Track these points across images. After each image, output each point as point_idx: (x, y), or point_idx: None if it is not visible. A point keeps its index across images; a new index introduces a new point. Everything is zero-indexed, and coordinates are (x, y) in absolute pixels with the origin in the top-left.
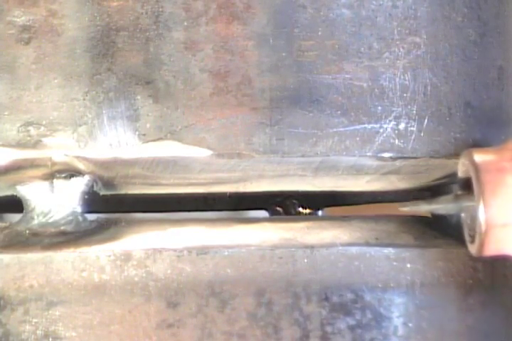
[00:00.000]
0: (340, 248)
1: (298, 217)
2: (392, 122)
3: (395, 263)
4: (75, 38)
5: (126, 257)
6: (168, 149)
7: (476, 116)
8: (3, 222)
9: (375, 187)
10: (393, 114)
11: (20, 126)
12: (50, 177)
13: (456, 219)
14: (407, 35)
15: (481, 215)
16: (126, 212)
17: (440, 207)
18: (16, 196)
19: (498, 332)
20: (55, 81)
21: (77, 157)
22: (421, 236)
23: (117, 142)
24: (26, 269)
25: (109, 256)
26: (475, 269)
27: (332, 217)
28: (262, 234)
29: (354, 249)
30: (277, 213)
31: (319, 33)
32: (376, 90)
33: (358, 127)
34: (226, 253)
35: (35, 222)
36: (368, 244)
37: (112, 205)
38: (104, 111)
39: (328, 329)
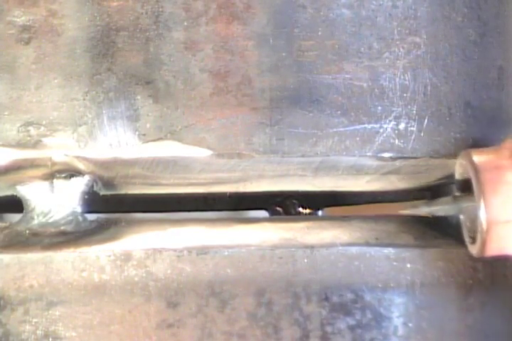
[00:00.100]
0: (340, 248)
1: (298, 217)
2: (392, 122)
3: (395, 263)
4: (75, 38)
5: (126, 257)
6: (168, 149)
7: (476, 116)
8: (3, 222)
9: (375, 187)
10: (393, 114)
11: (20, 126)
12: (50, 177)
13: (456, 219)
14: (407, 35)
15: (482, 214)
16: (126, 212)
17: (439, 208)
18: (15, 196)
19: (498, 332)
20: (55, 81)
21: (77, 157)
22: (421, 236)
23: (117, 142)
24: (26, 269)
25: (109, 256)
26: (475, 269)
27: (332, 217)
28: (262, 234)
29: (354, 249)
30: (277, 213)
31: (319, 33)
32: (376, 90)
33: (358, 127)
34: (226, 253)
35: (35, 222)
36: (368, 244)
37: (112, 205)
38: (104, 111)
39: (328, 329)
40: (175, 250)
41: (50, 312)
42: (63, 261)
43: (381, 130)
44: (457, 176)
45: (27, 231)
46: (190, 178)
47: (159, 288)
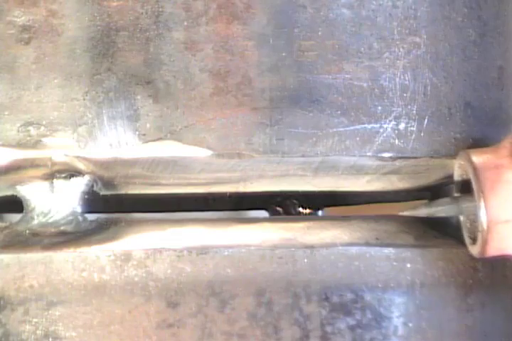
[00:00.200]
0: (341, 248)
1: (298, 217)
2: (392, 122)
3: (395, 263)
4: (75, 38)
5: (126, 257)
6: (168, 149)
7: (476, 116)
8: (3, 222)
9: (375, 187)
10: (393, 114)
11: (21, 126)
12: (50, 177)
13: (456, 218)
14: (407, 35)
15: (482, 213)
16: (126, 212)
17: (439, 209)
18: (15, 196)
19: (497, 332)
20: (55, 81)
21: (77, 157)
22: (421, 236)
23: (117, 142)
24: (26, 269)
25: (109, 256)
26: (475, 269)
27: (332, 217)
28: (262, 234)
29: (354, 249)
30: (277, 213)
31: (319, 33)
32: (376, 90)
33: (358, 127)
34: (226, 253)
35: (35, 222)
36: (368, 244)
37: (112, 205)
38: (104, 111)
39: (328, 329)
40: (175, 250)
41: (50, 312)
42: (63, 261)
43: (381, 130)
44: (456, 177)
45: (27, 231)
46: (190, 178)
47: (159, 288)
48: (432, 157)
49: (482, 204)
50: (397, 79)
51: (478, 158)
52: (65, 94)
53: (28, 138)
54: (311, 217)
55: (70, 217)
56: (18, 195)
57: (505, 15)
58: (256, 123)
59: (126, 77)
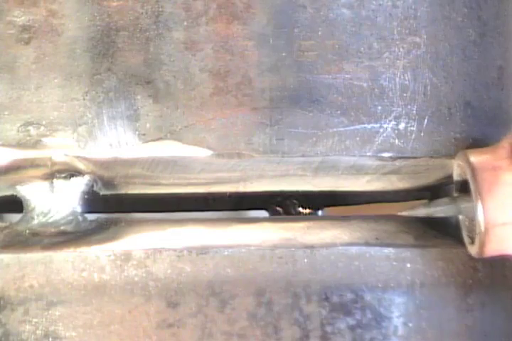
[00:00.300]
0: (340, 248)
1: (298, 217)
2: (392, 122)
3: (395, 263)
4: (75, 38)
5: (126, 257)
6: (168, 149)
7: (476, 116)
8: (3, 222)
9: (375, 187)
10: (393, 114)
11: (20, 126)
12: (50, 177)
13: (455, 218)
14: (407, 35)
15: (480, 215)
16: (126, 212)
17: (438, 210)
18: (15, 196)
19: (497, 332)
20: (55, 81)
21: (77, 157)
22: (421, 236)
23: (117, 142)
24: (26, 269)
25: (109, 256)
26: (475, 269)
27: (332, 217)
28: (262, 234)
29: (354, 249)
30: (277, 213)
31: (319, 33)
32: (376, 90)
33: (358, 127)
34: (226, 253)
35: (35, 221)
36: (368, 244)
37: (112, 205)
38: (104, 111)
39: (328, 329)
40: (175, 250)
41: (50, 312)
42: (63, 261)
43: (381, 130)
44: (455, 177)
45: (27, 231)
46: (190, 178)
47: (159, 288)
48: (431, 157)
49: (480, 206)
50: (397, 79)
51: (477, 158)
52: (65, 94)
53: (28, 138)
54: (311, 217)
55: (70, 217)
56: (18, 195)
57: (505, 15)
58: (256, 123)
59: (126, 77)
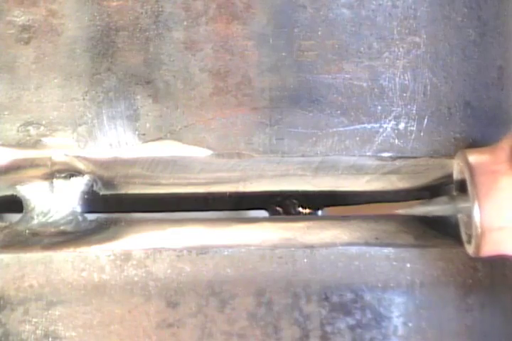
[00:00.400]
0: (340, 248)
1: (298, 217)
2: (392, 122)
3: (394, 263)
4: (75, 38)
5: (126, 257)
6: (168, 149)
7: (476, 116)
8: (3, 222)
9: (375, 187)
10: (393, 114)
11: (20, 125)
12: (50, 177)
13: (455, 218)
14: (407, 35)
15: (476, 218)
16: (126, 211)
17: (436, 208)
18: (16, 196)
19: (497, 332)
20: (55, 81)
21: (77, 157)
22: (421, 236)
23: (117, 142)
24: (26, 269)
25: (109, 255)
26: (475, 269)
27: (332, 217)
28: (262, 234)
29: (354, 249)
30: (277, 213)
31: (319, 33)
32: (376, 90)
33: (357, 127)
34: (226, 253)
35: (35, 221)
36: (367, 244)
37: (112, 205)
38: (104, 111)
39: (328, 329)
40: (175, 250)
41: (50, 312)
42: (63, 261)
43: (381, 130)
44: (455, 176)
45: (27, 231)
46: (190, 178)
47: (159, 287)
48: (431, 157)
49: (476, 209)
50: (397, 79)
51: (476, 159)
52: (65, 94)
53: (28, 138)
54: (311, 216)
55: (70, 217)
56: (18, 195)
57: (505, 15)
58: (256, 123)
59: (126, 77)
